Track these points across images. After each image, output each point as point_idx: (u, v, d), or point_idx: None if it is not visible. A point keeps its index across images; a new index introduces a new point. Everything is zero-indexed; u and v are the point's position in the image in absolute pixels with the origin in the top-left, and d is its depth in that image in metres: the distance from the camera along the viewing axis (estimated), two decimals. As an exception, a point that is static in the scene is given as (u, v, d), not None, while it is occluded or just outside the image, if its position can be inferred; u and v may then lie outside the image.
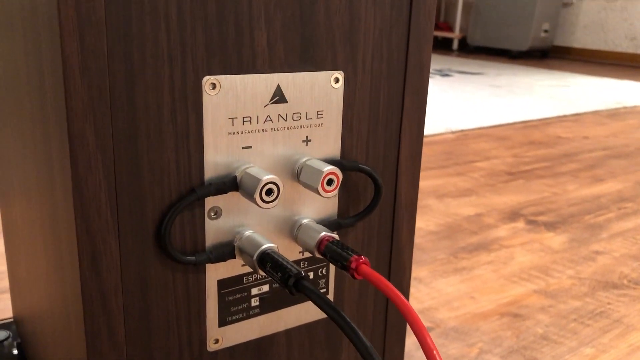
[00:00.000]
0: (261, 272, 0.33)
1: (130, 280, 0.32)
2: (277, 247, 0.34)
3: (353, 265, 0.32)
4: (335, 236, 0.35)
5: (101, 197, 0.30)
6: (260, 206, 0.32)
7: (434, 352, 0.28)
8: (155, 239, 0.32)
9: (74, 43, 0.27)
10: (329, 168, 0.34)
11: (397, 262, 0.42)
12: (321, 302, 0.29)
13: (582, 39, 4.67)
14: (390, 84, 0.38)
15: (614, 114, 2.38)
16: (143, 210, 0.31)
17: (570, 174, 1.50)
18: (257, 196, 0.32)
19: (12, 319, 0.69)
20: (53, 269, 0.37)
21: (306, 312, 0.39)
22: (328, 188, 0.34)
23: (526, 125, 2.07)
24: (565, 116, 2.28)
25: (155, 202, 0.31)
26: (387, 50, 0.37)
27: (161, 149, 0.31)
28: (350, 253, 0.33)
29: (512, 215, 1.19)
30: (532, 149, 1.74)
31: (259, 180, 0.32)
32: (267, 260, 0.32)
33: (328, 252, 0.34)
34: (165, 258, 0.33)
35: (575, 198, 1.31)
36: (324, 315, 0.40)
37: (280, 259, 0.32)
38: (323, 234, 0.35)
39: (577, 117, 2.27)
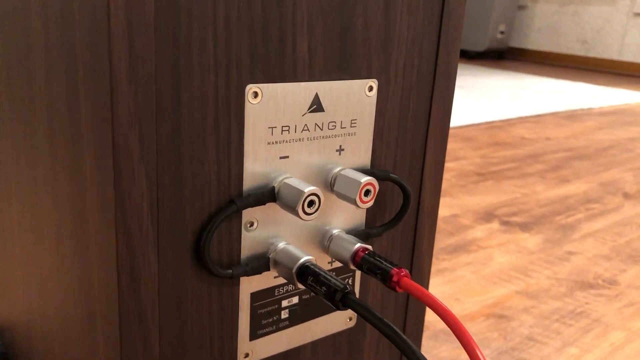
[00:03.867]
0: (300, 285, 0.32)
1: (167, 294, 0.31)
2: (315, 259, 0.33)
3: (395, 279, 0.32)
4: (370, 247, 0.34)
5: (143, 210, 0.28)
6: (302, 218, 0.31)
7: (487, 366, 0.28)
8: (194, 252, 0.31)
9: (123, 48, 0.26)
10: (366, 179, 0.33)
11: (417, 269, 0.42)
12: (371, 316, 0.29)
13: (536, 41, 4.79)
14: (419, 92, 0.38)
15: (571, 116, 2.45)
16: (183, 222, 0.30)
17: (538, 174, 1.54)
18: (299, 208, 0.31)
19: (-7, 328, 0.66)
20: (72, 281, 0.35)
21: (332, 323, 0.39)
22: (365, 199, 0.34)
23: (491, 125, 2.11)
24: (526, 117, 2.33)
25: (195, 214, 0.30)
26: (418, 59, 0.37)
27: (203, 159, 0.30)
28: (389, 266, 0.32)
29: (487, 216, 1.21)
30: (498, 149, 1.78)
31: (301, 192, 0.31)
32: (308, 274, 0.32)
33: (365, 264, 0.33)
34: (203, 271, 0.31)
35: (544, 199, 1.34)
36: (348, 326, 0.40)
37: (322, 273, 0.31)
38: (358, 245, 0.34)
39: (538, 118, 2.33)
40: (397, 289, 0.32)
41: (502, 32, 4.62)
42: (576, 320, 0.83)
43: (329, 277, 0.31)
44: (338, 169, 0.35)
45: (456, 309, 0.83)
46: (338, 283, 0.30)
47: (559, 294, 0.90)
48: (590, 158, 1.75)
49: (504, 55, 4.82)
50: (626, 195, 1.41)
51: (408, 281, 0.32)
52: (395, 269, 0.32)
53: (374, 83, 0.35)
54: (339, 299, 0.30)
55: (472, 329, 0.79)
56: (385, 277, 0.32)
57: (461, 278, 0.93)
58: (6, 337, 0.61)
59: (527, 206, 1.29)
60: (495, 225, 1.16)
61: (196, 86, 0.29)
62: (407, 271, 0.32)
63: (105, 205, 0.29)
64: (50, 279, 0.40)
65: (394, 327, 0.28)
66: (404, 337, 0.28)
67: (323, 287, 0.31)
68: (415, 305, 0.43)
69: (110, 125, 0.27)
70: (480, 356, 0.28)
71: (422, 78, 0.37)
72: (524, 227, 1.17)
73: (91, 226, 0.31)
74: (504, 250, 1.05)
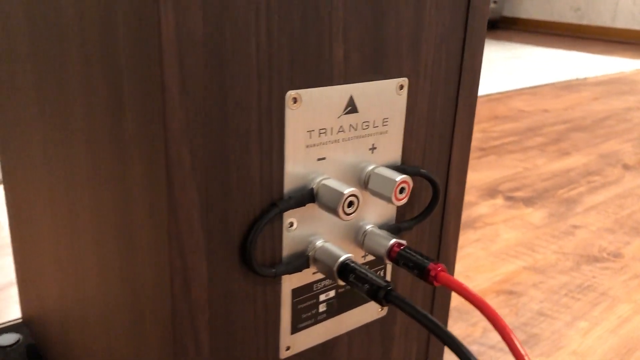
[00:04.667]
0: (341, 282, 0.34)
1: (216, 296, 0.32)
2: (353, 256, 0.34)
3: (432, 274, 0.33)
4: (404, 243, 0.36)
5: (194, 218, 0.29)
6: (342, 218, 0.33)
7: (525, 358, 0.29)
8: (240, 254, 0.32)
9: (174, 64, 0.27)
10: (401, 177, 0.34)
11: (444, 257, 0.43)
12: (415, 312, 0.30)
13: (529, 9, 4.77)
14: (446, 88, 0.38)
15: (567, 86, 2.46)
16: (229, 227, 0.31)
17: (538, 148, 1.55)
18: (340, 209, 0.32)
19: (20, 320, 0.68)
20: (116, 281, 0.37)
21: (365, 314, 0.40)
22: (400, 196, 0.35)
23: (490, 98, 2.12)
24: (523, 89, 2.34)
25: (241, 218, 0.31)
26: (445, 56, 0.38)
27: (248, 166, 0.31)
28: (426, 261, 0.34)
29: (491, 191, 1.23)
30: (498, 123, 1.79)
31: (341, 194, 0.32)
32: (349, 271, 0.33)
33: (401, 259, 0.35)
34: (248, 272, 0.33)
35: (546, 173, 1.36)
36: (379, 316, 0.41)
37: (362, 270, 0.33)
38: (393, 241, 0.35)
39: (534, 90, 2.34)
40: (435, 283, 0.33)
41: (494, 2, 4.60)
42: (584, 294, 0.85)
43: (370, 275, 0.32)
44: (371, 167, 0.36)
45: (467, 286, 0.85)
46: (380, 281, 0.32)
47: (565, 268, 0.92)
48: (588, 129, 1.77)
49: (498, 25, 4.80)
50: (626, 167, 1.43)
51: (445, 275, 0.33)
52: (432, 264, 0.33)
53: (404, 82, 0.36)
54: (382, 296, 0.31)
55: (484, 306, 0.80)
56: (422, 272, 0.34)
57: (470, 255, 0.95)
58: (36, 329, 0.62)
59: (529, 180, 1.30)
60: (499, 201, 1.18)
61: (241, 96, 0.29)
62: (443, 265, 0.34)
63: (156, 213, 0.30)
64: (89, 277, 0.41)
65: (438, 322, 0.30)
66: (449, 332, 0.29)
67: (365, 285, 0.32)
68: (442, 293, 0.44)
69: (163, 139, 0.27)
70: (520, 350, 0.30)
71: (449, 74, 0.38)
72: (528, 202, 1.18)
73: (138, 232, 0.32)
74: (510, 226, 1.07)
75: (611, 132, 1.75)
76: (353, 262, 0.33)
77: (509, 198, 1.20)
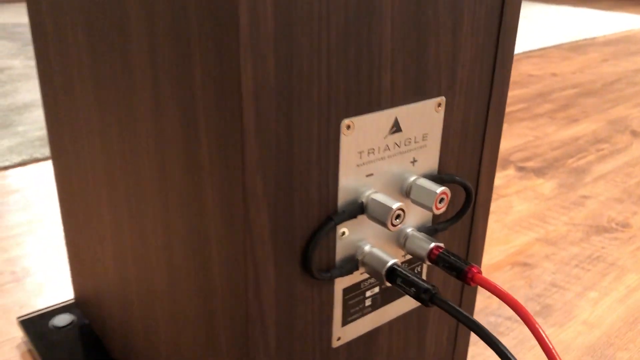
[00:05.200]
0: (388, 284, 0.38)
1: (282, 298, 0.36)
2: (399, 262, 0.39)
3: (470, 275, 0.38)
4: (442, 246, 0.40)
5: (265, 234, 0.34)
6: (389, 229, 0.37)
7: (554, 353, 0.34)
8: (301, 262, 0.36)
9: (251, 110, 0.30)
10: (441, 189, 0.38)
11: (473, 252, 0.48)
12: (457, 313, 0.35)
13: (537, -36, 4.68)
14: (479, 102, 0.42)
15: (575, 47, 2.46)
16: (293, 240, 0.35)
17: (547, 115, 1.58)
18: (388, 222, 0.36)
19: (72, 301, 0.73)
20: (187, 279, 0.41)
21: (403, 305, 0.45)
22: (440, 206, 0.39)
23: (498, 63, 2.13)
24: (531, 52, 2.35)
25: (302, 232, 0.36)
26: (478, 73, 0.41)
27: (309, 187, 0.35)
28: (463, 264, 0.38)
29: (503, 162, 1.27)
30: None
31: (390, 208, 0.36)
32: (396, 275, 0.37)
33: (441, 262, 0.39)
34: (308, 277, 0.37)
35: (556, 141, 1.40)
36: (416, 306, 0.46)
37: (409, 275, 0.37)
38: (433, 245, 0.40)
39: (542, 52, 2.34)
40: (472, 283, 0.38)
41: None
42: (594, 265, 0.90)
43: (416, 279, 0.37)
44: (413, 179, 0.40)
45: (483, 260, 0.90)
46: (425, 285, 0.36)
47: (576, 239, 0.97)
48: (597, 94, 1.79)
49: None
50: (634, 133, 1.46)
51: (481, 277, 0.37)
52: (468, 267, 0.38)
53: (442, 100, 0.40)
54: (428, 299, 0.36)
55: (500, 278, 0.86)
56: (460, 274, 0.38)
57: (485, 228, 0.99)
58: (89, 310, 0.67)
59: (540, 150, 1.34)
60: (511, 172, 1.22)
61: (304, 129, 0.33)
62: (479, 267, 0.38)
63: (232, 232, 0.34)
64: (156, 273, 0.46)
65: (480, 324, 0.34)
66: (489, 332, 0.34)
67: (412, 288, 0.36)
68: (469, 289, 0.49)
69: (241, 170, 0.31)
70: (551, 348, 0.34)
71: (481, 89, 0.42)
72: (539, 172, 1.22)
73: (214, 246, 0.36)
74: (522, 197, 1.11)
75: (620, 96, 1.77)
76: (399, 266, 0.38)
77: (520, 169, 1.24)
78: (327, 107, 0.34)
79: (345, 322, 0.41)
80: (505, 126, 1.48)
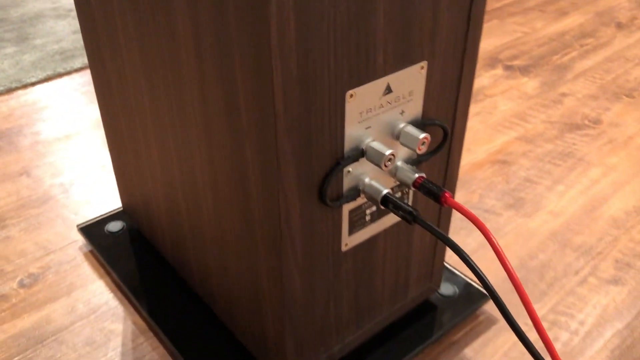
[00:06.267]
0: (382, 207, 0.51)
1: (305, 221, 0.50)
2: (391, 190, 0.52)
3: (443, 199, 0.51)
4: (424, 175, 0.52)
5: (292, 175, 0.46)
6: (383, 170, 0.49)
7: (506, 262, 0.48)
8: (318, 195, 0.49)
9: (280, 95, 0.42)
10: (423, 135, 0.50)
11: (449, 180, 0.61)
12: (432, 230, 0.48)
13: None
14: (454, 62, 0.53)
15: None
16: (312, 179, 0.48)
17: (537, 8, 1.64)
18: (382, 164, 0.49)
19: (120, 209, 0.87)
20: (230, 198, 0.54)
21: (395, 217, 0.58)
22: (422, 148, 0.51)
23: (494, -50, 2.13)
24: None
25: (319, 172, 0.48)
26: (454, 40, 0.51)
27: (322, 142, 0.47)
28: (439, 190, 0.51)
29: (492, 61, 1.36)
30: (501, -20, 1.85)
31: (383, 154, 0.48)
32: (388, 201, 0.50)
33: (422, 188, 0.52)
34: (324, 205, 0.50)
35: (543, 37, 1.48)
36: (405, 216, 0.59)
37: (397, 201, 0.50)
38: (417, 175, 0.52)
39: None
40: (444, 205, 0.51)
41: None
42: (564, 161, 1.03)
43: (402, 204, 0.50)
44: (401, 126, 0.52)
45: (468, 159, 1.03)
46: (409, 208, 0.49)
47: (551, 136, 1.10)
48: (589, -18, 1.83)
49: None
50: (619, 26, 1.53)
51: (452, 200, 0.50)
52: (442, 192, 0.51)
53: (424, 64, 0.51)
54: (411, 219, 0.49)
55: (481, 175, 0.99)
56: (436, 197, 0.51)
57: (471, 129, 1.12)
58: (137, 216, 0.81)
59: (527, 47, 1.43)
60: (499, 71, 1.32)
61: (318, 101, 0.45)
62: (450, 193, 0.51)
63: (267, 174, 0.46)
64: (202, 197, 0.59)
65: (451, 239, 0.48)
66: (458, 245, 0.47)
67: (400, 211, 0.50)
68: (446, 211, 0.62)
69: (274, 136, 0.43)
70: (504, 257, 0.48)
71: (456, 52, 0.52)
72: (524, 70, 1.32)
73: (253, 184, 0.49)
74: (507, 97, 1.22)
75: (611, -16, 1.81)
76: (390, 194, 0.51)
77: (507, 67, 1.33)
78: (335, 83, 0.45)
79: (351, 233, 0.55)
80: (496, 22, 1.55)
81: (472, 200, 0.94)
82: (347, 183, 0.51)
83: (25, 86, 1.24)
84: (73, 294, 0.77)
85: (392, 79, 0.49)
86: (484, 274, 0.47)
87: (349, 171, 0.51)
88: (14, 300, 0.76)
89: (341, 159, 0.49)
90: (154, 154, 0.66)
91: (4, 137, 1.10)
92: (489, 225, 0.89)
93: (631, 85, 1.26)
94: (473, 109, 1.18)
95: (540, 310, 0.75)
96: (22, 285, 0.78)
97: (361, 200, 0.54)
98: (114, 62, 0.65)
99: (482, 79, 1.29)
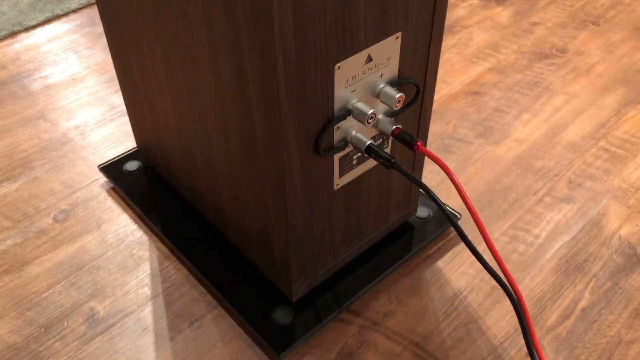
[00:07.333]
0: (366, 155, 0.63)
1: (303, 168, 0.61)
2: (373, 141, 0.63)
3: (415, 147, 0.62)
4: (400, 127, 0.64)
5: (291, 130, 0.57)
6: (366, 126, 0.60)
7: (476, 214, 0.60)
8: (314, 147, 0.60)
9: (282, 72, 0.52)
10: (398, 95, 0.61)
11: (422, 129, 0.72)
12: (406, 174, 0.60)
13: None
14: (424, 31, 0.63)
15: None
16: (308, 136, 0.59)
17: None
18: (365, 121, 0.60)
19: (135, 149, 0.98)
20: (242, 154, 0.66)
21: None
22: (398, 105, 0.62)
23: None
24: None
25: (314, 127, 0.59)
26: (423, 12, 0.61)
27: (316, 105, 0.57)
28: (412, 138, 0.62)
29: (469, -9, 1.43)
30: None
31: (366, 113, 0.59)
32: (371, 150, 0.62)
33: (399, 138, 0.63)
34: (317, 155, 0.62)
35: (519, -37, 1.53)
36: (386, 157, 0.71)
37: (378, 150, 0.61)
38: (394, 127, 0.63)
39: None
40: (417, 152, 0.62)
41: None
42: (531, 90, 1.14)
43: (382, 153, 0.61)
44: (381, 87, 0.62)
45: (444, 91, 1.14)
46: (388, 156, 0.61)
47: (521, 67, 1.20)
48: None
49: None
50: (592, -51, 1.59)
51: (422, 148, 0.62)
52: (414, 141, 0.62)
53: (399, 34, 0.60)
54: (389, 165, 0.61)
55: (455, 106, 1.10)
56: (410, 145, 0.62)
57: (448, 61, 1.21)
58: (152, 155, 0.92)
59: (503, -26, 1.49)
60: (475, 1, 1.39)
61: (312, 73, 0.55)
62: (421, 141, 0.62)
63: (272, 130, 0.57)
64: (215, 147, 0.70)
65: (423, 184, 0.59)
66: (429, 188, 0.59)
67: (380, 159, 0.61)
68: (420, 158, 0.73)
69: (277, 101, 0.54)
70: (469, 203, 0.60)
71: (425, 24, 0.62)
72: None
73: (260, 139, 0.60)
74: (482, 27, 1.31)
75: None
76: (373, 145, 0.62)
77: (483, -3, 1.40)
78: (326, 58, 0.55)
79: (341, 175, 0.66)
80: (474, -52, 1.60)
81: (447, 131, 1.05)
82: (337, 137, 0.62)
83: (27, 29, 1.31)
84: (102, 226, 0.89)
85: (372, 50, 0.59)
86: (445, 206, 0.59)
87: (338, 127, 0.62)
88: (51, 234, 0.88)
89: (332, 118, 0.60)
90: (168, 108, 0.76)
91: (16, 82, 1.18)
92: (460, 154, 1.01)
93: (598, 12, 1.35)
94: (450, 40, 1.27)
95: (502, 226, 0.88)
96: (56, 220, 0.90)
97: (349, 149, 0.65)
98: (128, 27, 0.74)
99: (459, 10, 1.36)
